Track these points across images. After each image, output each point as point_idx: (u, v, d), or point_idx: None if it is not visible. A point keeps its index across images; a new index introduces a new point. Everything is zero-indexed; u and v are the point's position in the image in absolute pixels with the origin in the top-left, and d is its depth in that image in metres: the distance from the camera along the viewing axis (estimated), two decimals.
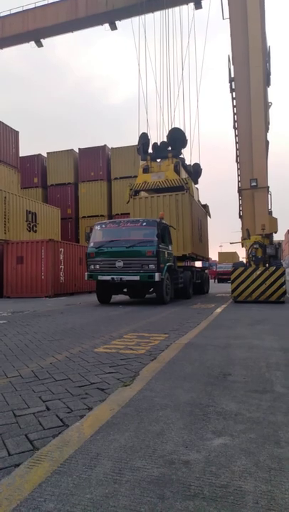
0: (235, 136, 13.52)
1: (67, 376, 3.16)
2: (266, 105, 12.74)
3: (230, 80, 12.88)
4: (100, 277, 10.25)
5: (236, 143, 13.44)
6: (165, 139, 15.56)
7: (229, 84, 13.06)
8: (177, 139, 15.06)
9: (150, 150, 15.30)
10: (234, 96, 13.09)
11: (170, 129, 15.82)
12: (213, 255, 66.39)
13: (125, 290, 11.37)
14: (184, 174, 14.91)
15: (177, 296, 11.96)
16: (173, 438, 1.91)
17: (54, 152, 27.44)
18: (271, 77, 12.92)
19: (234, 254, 41.13)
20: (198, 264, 16.67)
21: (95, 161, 26.42)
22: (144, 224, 10.52)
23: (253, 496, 1.40)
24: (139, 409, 2.32)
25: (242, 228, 12.78)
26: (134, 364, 3.56)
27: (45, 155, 27.72)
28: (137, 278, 9.80)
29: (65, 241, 17.81)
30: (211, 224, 18.58)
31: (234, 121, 13.65)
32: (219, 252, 44.64)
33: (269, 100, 13.00)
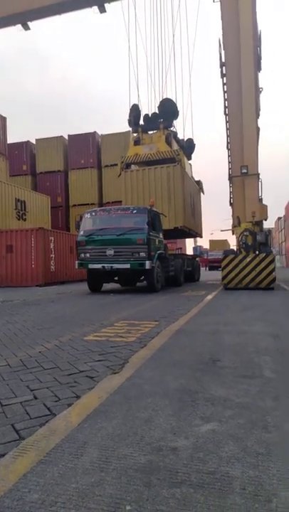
0: (226, 122, 13.40)
1: (55, 365, 3.13)
2: (257, 90, 12.60)
3: (221, 65, 12.70)
4: (91, 266, 10.23)
5: (227, 129, 13.33)
6: (156, 112, 15.23)
7: (220, 69, 12.88)
8: (168, 109, 14.81)
9: (142, 122, 15.02)
10: (225, 81, 12.93)
11: (161, 100, 15.47)
12: (204, 243, 66.59)
13: (116, 278, 11.31)
14: (175, 146, 14.69)
15: (168, 283, 11.95)
16: (161, 425, 1.89)
17: (43, 139, 26.93)
18: (262, 61, 12.73)
19: (225, 242, 41.32)
20: (190, 252, 16.82)
21: (84, 148, 26.02)
22: (135, 211, 10.47)
23: (241, 482, 1.39)
24: (128, 397, 2.30)
25: (232, 215, 12.78)
26: (124, 351, 3.54)
27: (34, 142, 27.21)
28: (128, 266, 9.78)
29: (56, 229, 17.61)
30: (202, 211, 18.54)
31: (225, 107, 13.51)
32: (210, 240, 44.83)
33: (260, 86, 12.82)
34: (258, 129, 12.85)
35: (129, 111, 15.47)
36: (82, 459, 1.57)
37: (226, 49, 12.56)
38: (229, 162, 13.10)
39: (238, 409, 2.09)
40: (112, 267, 9.93)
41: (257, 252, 11.36)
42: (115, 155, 25.48)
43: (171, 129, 15.26)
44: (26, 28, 21.34)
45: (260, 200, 12.98)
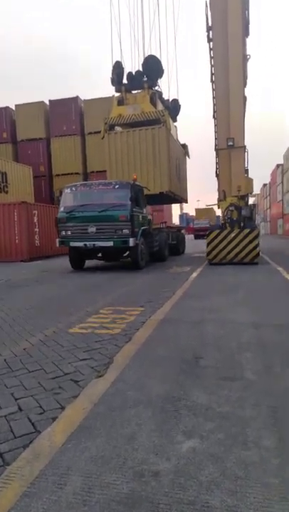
0: (213, 90, 12.95)
1: (40, 366, 3.14)
2: (245, 57, 12.11)
3: (208, 29, 12.07)
4: (72, 244, 10.02)
5: (213, 98, 12.91)
6: (140, 70, 14.45)
7: (206, 33, 12.26)
8: (153, 67, 14.10)
9: (125, 81, 14.28)
10: (211, 46, 12.36)
11: (145, 57, 14.62)
12: (190, 210, 66.40)
13: (99, 255, 11.17)
14: (160, 106, 14.14)
15: (153, 259, 11.92)
16: (144, 443, 1.94)
17: (23, 104, 25.62)
18: (250, 26, 12.15)
19: (211, 211, 41.27)
20: (176, 219, 16.75)
21: (67, 115, 24.91)
22: (117, 186, 10.10)
23: None
24: (112, 407, 2.34)
25: (218, 189, 12.67)
26: (109, 347, 3.57)
27: (14, 108, 25.93)
28: (111, 244, 9.61)
29: (39, 203, 17.21)
30: (188, 177, 18.20)
31: (211, 74, 13.00)
32: (196, 209, 44.75)
33: (247, 53, 12.31)
34: (245, 99, 12.47)
35: (111, 68, 14.64)
36: (65, 489, 1.60)
37: (213, 12, 11.89)
38: (215, 132, 12.81)
39: (218, 421, 2.15)
40: (94, 244, 9.71)
41: (242, 225, 11.39)
42: (99, 121, 24.51)
43: (156, 88, 14.56)
44: None
45: (246, 171, 12.86)
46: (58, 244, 10.36)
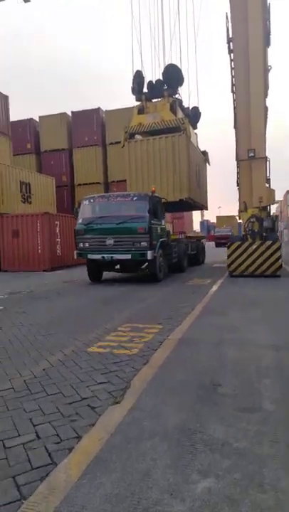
0: (234, 101, 12.91)
1: (59, 389, 3.19)
2: (265, 68, 12.03)
3: (228, 41, 12.07)
4: (90, 256, 10.01)
5: (234, 108, 12.86)
6: (161, 79, 14.50)
7: (227, 44, 12.26)
8: (173, 75, 14.12)
9: (146, 90, 14.41)
10: (232, 57, 12.34)
11: (165, 65, 14.69)
12: (212, 217, 65.91)
13: (117, 267, 11.10)
14: (180, 114, 14.13)
15: (171, 270, 11.79)
16: (158, 481, 1.93)
17: (46, 116, 26.35)
18: (271, 36, 12.07)
19: (232, 218, 40.89)
20: (197, 226, 16.65)
21: (88, 125, 25.40)
22: (135, 198, 10.07)
23: None
24: (128, 439, 2.34)
25: (239, 200, 12.55)
26: (127, 370, 3.59)
27: (38, 119, 26.63)
28: (129, 257, 9.55)
29: (61, 213, 17.53)
30: (209, 184, 18.07)
31: (232, 85, 12.97)
32: (217, 216, 44.49)
33: (269, 63, 12.23)
34: (266, 109, 12.39)
35: (132, 78, 14.78)
36: None
37: (233, 23, 11.90)
38: (236, 142, 12.73)
39: (235, 458, 2.12)
40: (112, 257, 9.68)
41: (264, 235, 11.20)
42: (120, 132, 24.81)
43: (176, 96, 14.58)
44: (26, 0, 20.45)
45: (268, 180, 12.69)
46: (75, 257, 10.42)
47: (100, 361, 3.87)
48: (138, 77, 14.56)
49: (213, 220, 60.84)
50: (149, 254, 9.39)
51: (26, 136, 26.24)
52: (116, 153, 23.40)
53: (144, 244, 9.43)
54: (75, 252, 10.34)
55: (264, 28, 11.68)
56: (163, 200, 11.70)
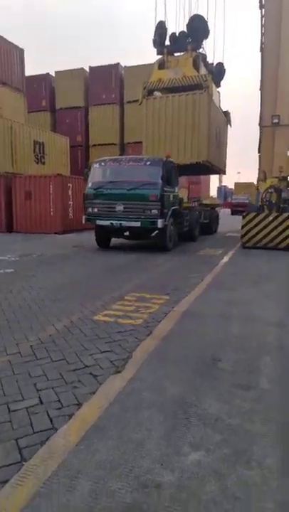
0: (262, 60, 12.19)
1: (63, 356, 3.31)
2: None
3: None
4: (99, 222, 9.83)
5: (262, 69, 12.17)
6: (185, 31, 13.47)
7: None
8: (199, 28, 13.04)
9: (168, 43, 13.53)
10: (263, 13, 11.50)
11: (190, 16, 13.52)
12: (230, 183, 64.28)
13: (126, 234, 10.77)
14: (203, 70, 13.34)
15: (182, 238, 11.57)
16: (151, 451, 2.04)
17: (63, 71, 25.38)
18: None
19: (251, 185, 39.74)
20: (214, 192, 16.15)
21: (106, 82, 24.43)
22: (148, 163, 9.68)
23: None
24: (126, 408, 2.45)
25: (259, 168, 12.20)
26: (130, 340, 3.68)
27: (54, 74, 25.71)
28: (138, 224, 9.35)
29: (74, 175, 17.32)
30: (229, 148, 17.29)
31: (261, 44, 12.21)
32: (236, 183, 43.40)
33: None
34: None
35: (154, 29, 13.75)
36: (74, 493, 1.74)
37: None
38: (261, 106, 12.15)
39: (226, 434, 2.21)
40: (120, 224, 9.49)
41: (282, 207, 10.93)
42: (139, 90, 23.76)
43: (200, 51, 13.56)
44: None
45: None
46: (84, 221, 10.25)
47: (104, 330, 3.97)
48: (160, 28, 13.57)
49: (232, 186, 59.40)
50: (160, 223, 9.21)
51: (41, 93, 25.53)
52: (134, 113, 22.58)
53: (154, 212, 9.19)
54: (84, 216, 10.17)
55: None
56: (180, 162, 11.35)
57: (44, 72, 25.78)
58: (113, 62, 24.63)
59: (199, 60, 13.08)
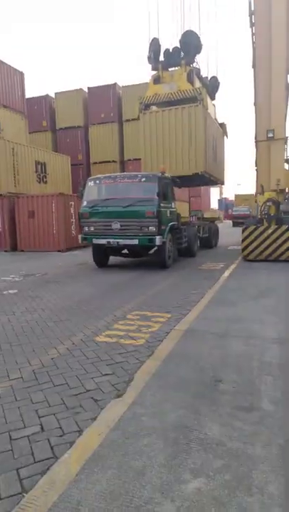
0: (254, 77, 12.42)
1: (65, 380, 3.33)
2: None
3: (250, 13, 11.51)
4: (95, 241, 9.65)
5: (255, 85, 12.39)
6: (178, 46, 13.73)
7: (249, 17, 11.70)
8: (191, 43, 13.38)
9: (162, 58, 13.76)
10: (254, 31, 11.78)
11: (183, 32, 13.88)
12: (231, 195, 64.58)
13: (124, 252, 10.71)
14: (198, 84, 13.60)
15: (181, 254, 11.50)
16: (152, 479, 2.04)
17: (62, 92, 25.91)
18: None
19: (251, 197, 39.97)
20: (214, 204, 16.14)
21: (104, 102, 24.93)
22: (144, 179, 9.45)
23: None
24: (126, 434, 2.45)
25: (256, 181, 12.29)
26: (132, 362, 3.70)
27: (53, 95, 26.29)
28: (136, 242, 9.17)
29: (76, 193, 17.53)
30: (229, 160, 17.49)
31: (253, 60, 12.45)
32: (236, 195, 43.60)
33: None
34: (287, 87, 11.87)
35: (148, 46, 14.05)
36: None
37: None
38: (256, 121, 12.32)
39: (227, 459, 2.20)
40: (118, 242, 9.30)
41: (281, 219, 10.98)
42: (137, 108, 24.33)
43: (194, 65, 13.86)
44: None
45: (287, 160, 12.32)
46: (80, 241, 10.13)
47: (106, 352, 3.99)
48: (154, 44, 13.92)
49: (232, 198, 59.70)
50: (158, 240, 9.02)
51: (42, 113, 26.01)
52: (132, 131, 23.01)
53: (152, 229, 9.02)
54: (80, 236, 10.05)
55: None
56: (178, 174, 11.41)
57: (43, 92, 26.42)
58: (111, 82, 25.18)
59: (193, 74, 13.32)
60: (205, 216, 16.03)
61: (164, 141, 13.12)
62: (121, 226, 9.22)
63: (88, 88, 25.48)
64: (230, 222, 38.18)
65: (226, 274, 8.90)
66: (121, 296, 6.73)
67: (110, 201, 9.44)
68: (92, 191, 9.90)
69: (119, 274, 9.33)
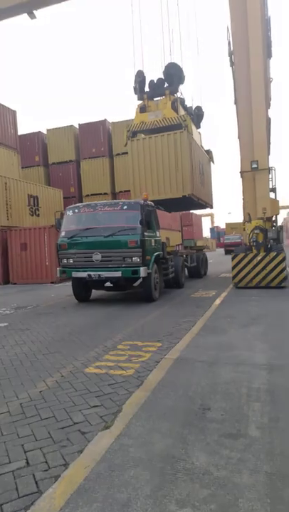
0: (237, 112, 13.03)
1: (52, 413, 3.29)
2: (267, 79, 12.13)
3: (230, 54, 12.25)
4: (75, 274, 8.98)
5: (238, 119, 12.97)
6: (162, 78, 14.43)
7: (229, 57, 12.44)
8: (174, 74, 14.06)
9: (147, 89, 14.41)
10: (234, 70, 12.49)
11: (166, 64, 14.57)
12: (223, 224, 65.69)
13: (108, 285, 9.97)
14: (182, 112, 14.15)
15: (168, 285, 11.11)
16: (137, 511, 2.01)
17: (54, 129, 26.89)
18: (272, 48, 12.19)
19: (240, 225, 40.73)
20: (206, 232, 16.21)
21: (95, 137, 25.86)
22: (126, 207, 9.02)
23: None
24: (112, 467, 2.43)
25: (243, 210, 12.60)
26: (121, 393, 3.67)
27: (45, 132, 27.18)
28: (119, 274, 8.56)
29: None
30: (220, 190, 17.95)
31: (235, 97, 13.10)
32: (227, 223, 44.26)
33: (270, 75, 12.33)
34: (268, 120, 12.47)
35: (134, 78, 14.64)
36: None
37: (234, 36, 12.06)
38: (240, 153, 12.79)
39: (214, 488, 2.18)
40: (99, 275, 8.64)
41: (269, 246, 11.20)
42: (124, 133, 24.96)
43: (178, 95, 14.60)
44: (32, 16, 20.95)
45: (274, 190, 12.72)
46: (58, 274, 9.39)
47: (95, 383, 3.97)
48: (139, 76, 14.65)
49: (224, 226, 60.73)
50: (142, 271, 8.46)
51: (34, 149, 26.80)
52: (123, 164, 23.69)
53: (136, 259, 8.47)
54: (58, 269, 9.35)
55: (264, 40, 11.81)
56: (166, 197, 11.34)
57: (35, 128, 27.32)
58: (101, 118, 26.17)
59: (177, 102, 13.95)
60: (193, 245, 16.13)
61: (152, 167, 13.54)
62: (102, 257, 8.66)
63: (79, 125, 26.42)
64: (223, 250, 38.54)
65: (218, 301, 8.95)
66: (113, 327, 6.73)
67: (90, 231, 8.90)
68: (70, 220, 9.38)
69: (110, 305, 9.32)
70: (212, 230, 70.85)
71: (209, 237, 66.38)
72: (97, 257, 8.68)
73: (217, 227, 72.02)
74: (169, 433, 2.83)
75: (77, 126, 26.54)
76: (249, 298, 9.23)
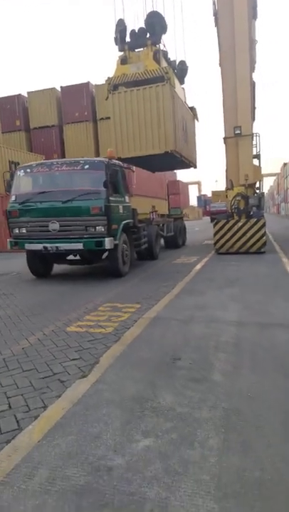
0: (221, 75, 12.79)
1: (34, 366, 3.53)
2: (252, 41, 11.87)
3: (215, 13, 11.86)
4: (28, 246, 7.76)
5: (222, 83, 12.75)
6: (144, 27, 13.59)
7: (214, 17, 12.06)
8: (156, 23, 13.28)
9: (128, 39, 13.61)
10: (218, 31, 12.15)
11: (148, 13, 13.65)
12: (209, 192, 65.52)
13: (73, 257, 8.92)
14: (164, 64, 13.53)
15: (141, 257, 10.26)
16: (106, 441, 2.28)
17: (35, 92, 25.77)
18: (258, 9, 11.84)
19: (223, 193, 40.80)
20: (194, 201, 15.60)
21: (78, 101, 24.94)
22: (87, 167, 7.63)
23: (151, 505, 1.77)
24: (87, 407, 2.69)
25: (226, 177, 12.68)
26: (99, 347, 3.92)
27: (26, 95, 26.11)
28: (80, 246, 7.43)
29: None
30: (207, 158, 17.57)
31: (219, 59, 12.82)
32: (213, 191, 44.17)
33: (255, 37, 12.04)
34: (253, 84, 12.32)
35: (115, 27, 13.85)
36: (33, 480, 1.97)
37: None
38: (224, 119, 12.69)
39: (176, 421, 2.47)
40: (57, 247, 7.48)
41: (251, 213, 11.40)
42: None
43: (161, 47, 13.78)
44: None
45: (258, 156, 12.77)
46: (8, 246, 8.05)
47: (76, 340, 4.20)
48: (120, 25, 13.85)
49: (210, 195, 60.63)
50: (107, 243, 7.34)
51: (15, 113, 25.79)
52: (107, 129, 23.09)
53: (100, 229, 7.35)
54: (8, 240, 8.01)
55: (250, 0, 11.45)
56: (148, 154, 10.84)
57: (15, 91, 26.21)
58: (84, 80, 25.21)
59: (160, 54, 13.31)
60: (168, 213, 14.80)
61: (134, 122, 12.93)
62: (60, 226, 7.46)
63: (61, 87, 25.41)
64: (209, 218, 38.78)
65: (199, 266, 9.23)
66: (94, 291, 6.94)
67: (45, 195, 7.59)
68: (22, 183, 8.00)
69: (93, 272, 9.50)
70: (199, 198, 70.68)
71: (196, 205, 66.44)
72: (54, 226, 7.47)
73: (204, 195, 71.77)
74: (141, 380, 3.10)
75: (59, 89, 25.54)
76: (229, 263, 9.53)
